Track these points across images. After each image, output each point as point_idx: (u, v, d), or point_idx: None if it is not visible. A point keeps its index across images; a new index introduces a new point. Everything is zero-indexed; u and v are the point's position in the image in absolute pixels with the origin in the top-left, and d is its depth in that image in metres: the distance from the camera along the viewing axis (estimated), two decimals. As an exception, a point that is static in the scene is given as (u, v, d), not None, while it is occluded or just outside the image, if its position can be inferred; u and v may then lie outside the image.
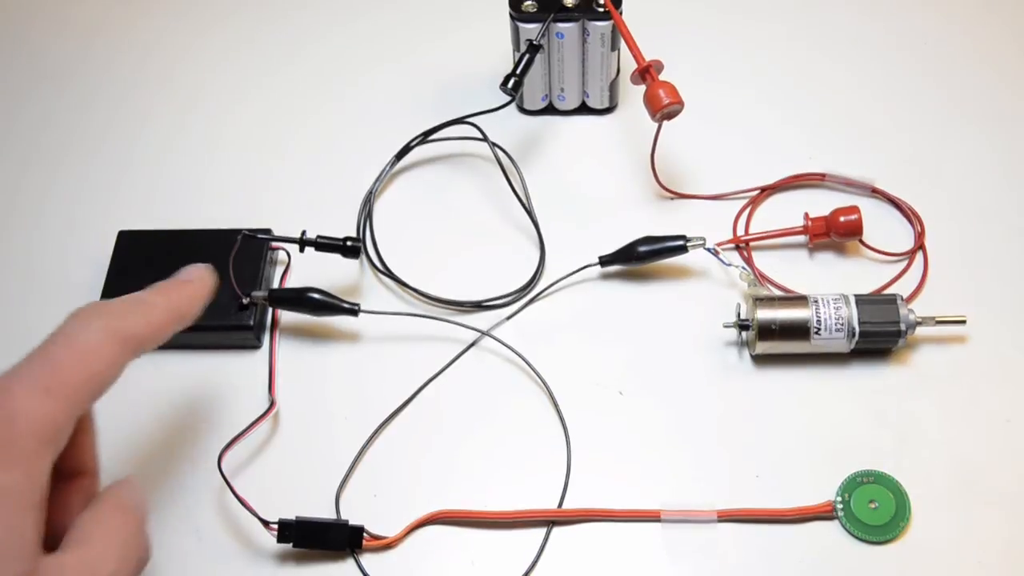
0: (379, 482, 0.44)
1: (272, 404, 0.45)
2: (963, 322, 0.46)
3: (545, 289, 0.50)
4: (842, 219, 0.49)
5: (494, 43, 0.58)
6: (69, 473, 0.33)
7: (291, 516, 0.41)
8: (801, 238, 0.51)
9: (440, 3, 0.65)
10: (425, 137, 0.55)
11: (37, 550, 0.29)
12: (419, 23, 0.64)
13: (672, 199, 0.53)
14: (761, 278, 0.50)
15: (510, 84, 0.52)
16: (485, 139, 0.53)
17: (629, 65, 0.51)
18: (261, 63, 0.62)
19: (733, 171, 0.54)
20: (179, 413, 0.46)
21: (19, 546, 0.28)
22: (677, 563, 0.41)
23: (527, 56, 0.52)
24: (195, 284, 0.38)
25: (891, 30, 0.62)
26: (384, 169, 0.54)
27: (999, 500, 0.42)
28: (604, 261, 0.49)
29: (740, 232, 0.52)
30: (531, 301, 0.49)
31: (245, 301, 0.47)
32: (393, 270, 0.51)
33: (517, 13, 0.52)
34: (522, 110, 0.58)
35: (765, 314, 0.45)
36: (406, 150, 0.55)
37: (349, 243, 0.49)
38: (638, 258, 0.49)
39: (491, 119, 0.52)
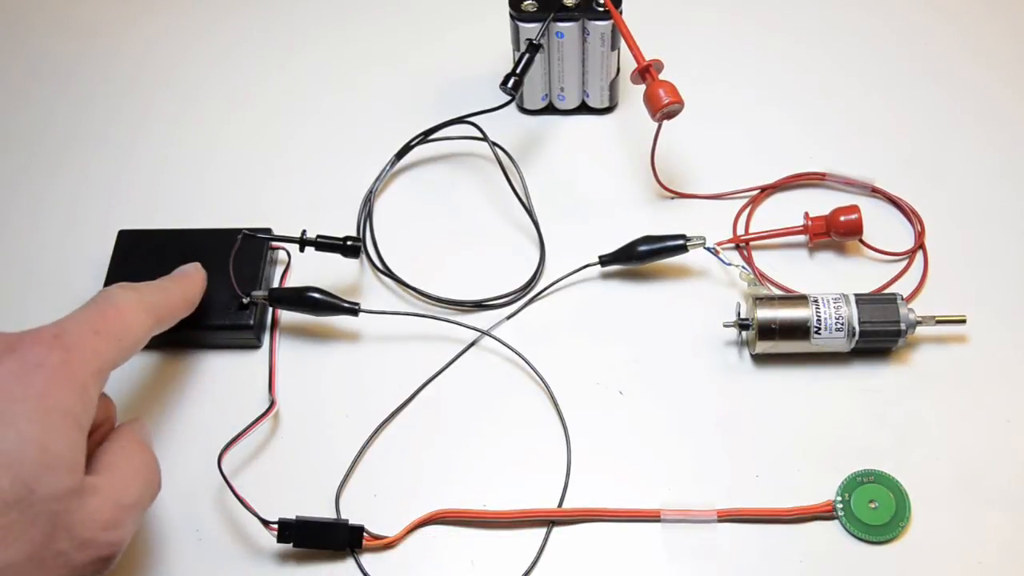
0: (379, 482, 0.44)
1: (272, 404, 0.45)
2: (963, 322, 0.46)
3: (545, 289, 0.50)
4: (842, 219, 0.49)
5: (494, 43, 0.58)
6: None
7: (291, 516, 0.41)
8: (801, 238, 0.51)
9: (440, 3, 0.65)
10: (425, 137, 0.55)
11: (81, 469, 0.32)
12: (419, 23, 0.64)
13: (672, 199, 0.53)
14: (761, 278, 0.50)
15: (510, 84, 0.52)
16: (485, 139, 0.53)
17: (629, 65, 0.51)
18: (261, 63, 0.62)
19: (733, 171, 0.54)
20: (179, 413, 0.46)
21: (72, 461, 0.32)
22: (677, 563, 0.41)
23: (527, 56, 0.52)
24: (195, 277, 0.45)
25: (891, 30, 0.62)
26: (384, 169, 0.54)
27: (999, 500, 0.42)
28: (604, 261, 0.49)
29: (740, 232, 0.52)
30: (531, 301, 0.49)
31: (245, 301, 0.47)
32: (393, 270, 0.51)
33: (517, 13, 0.52)
34: (522, 110, 0.58)
35: (765, 314, 0.45)
36: (406, 150, 0.55)
37: (349, 243, 0.49)
38: (638, 258, 0.49)
39: (491, 119, 0.52)
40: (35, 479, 0.30)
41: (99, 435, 0.37)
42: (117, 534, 0.33)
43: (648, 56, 0.50)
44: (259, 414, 0.44)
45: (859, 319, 0.45)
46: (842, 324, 0.45)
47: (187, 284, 0.44)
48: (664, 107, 0.49)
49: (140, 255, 0.50)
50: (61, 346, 0.33)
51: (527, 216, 0.52)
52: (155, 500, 0.37)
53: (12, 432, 0.31)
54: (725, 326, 0.46)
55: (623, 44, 0.52)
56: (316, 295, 0.46)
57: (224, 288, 0.47)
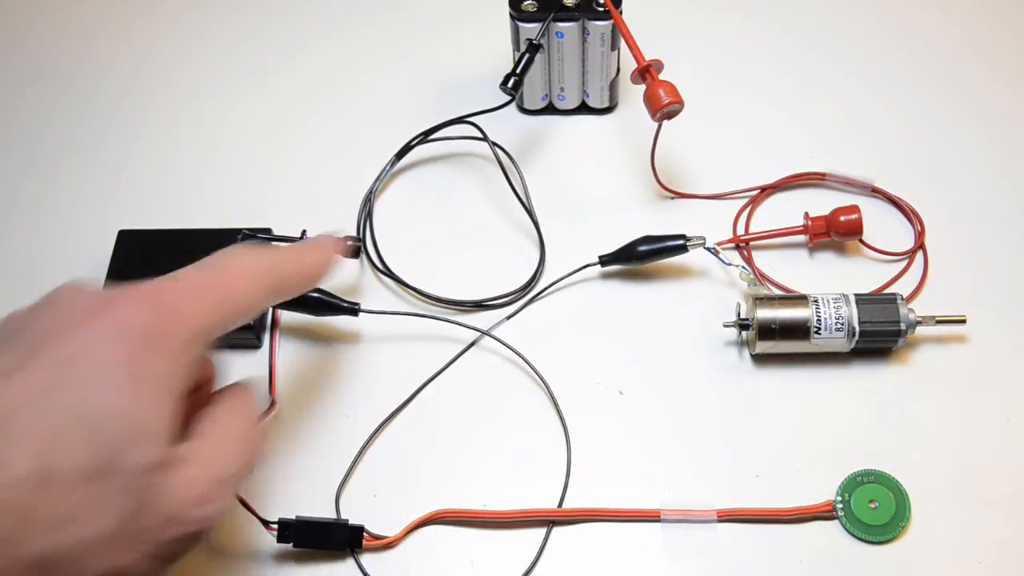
0: (379, 482, 0.44)
1: (272, 404, 0.45)
2: (963, 322, 0.46)
3: (545, 289, 0.50)
4: (842, 219, 0.49)
5: (494, 43, 0.58)
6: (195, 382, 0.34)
7: (291, 516, 0.41)
8: (801, 238, 0.51)
9: (440, 3, 0.65)
10: (425, 137, 0.55)
11: (171, 439, 0.30)
12: (419, 23, 0.64)
13: (672, 199, 0.53)
14: (761, 278, 0.50)
15: (510, 84, 0.52)
16: (485, 139, 0.53)
17: (629, 65, 0.51)
18: (261, 63, 0.62)
19: (733, 171, 0.54)
20: (179, 413, 0.46)
21: (161, 431, 0.30)
22: (677, 563, 0.41)
23: (527, 56, 0.52)
24: (325, 250, 0.39)
25: (891, 30, 0.62)
26: (384, 169, 0.54)
27: (999, 500, 0.42)
28: (604, 261, 0.49)
29: (740, 232, 0.52)
30: (531, 301, 0.49)
31: (245, 301, 0.47)
32: (393, 270, 0.51)
33: (517, 13, 0.52)
34: (522, 110, 0.58)
35: (765, 313, 0.45)
36: (406, 150, 0.55)
37: (349, 243, 0.49)
38: (638, 258, 0.49)
39: (491, 119, 0.52)
40: (120, 450, 0.28)
41: (198, 399, 0.34)
42: (208, 510, 0.31)
43: (648, 56, 0.50)
44: (259, 414, 0.44)
45: (859, 319, 0.45)
46: (842, 324, 0.45)
47: (314, 256, 0.39)
48: (664, 107, 0.49)
49: (140, 255, 0.50)
50: (155, 307, 0.31)
51: (527, 216, 0.52)
52: (249, 475, 0.34)
53: (99, 397, 0.28)
54: (725, 326, 0.46)
55: (623, 44, 0.52)
56: (316, 295, 0.46)
57: (224, 288, 0.47)
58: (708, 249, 0.49)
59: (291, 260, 0.37)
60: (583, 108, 0.58)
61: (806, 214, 0.51)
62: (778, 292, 0.49)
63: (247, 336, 0.47)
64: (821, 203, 0.51)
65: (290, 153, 0.57)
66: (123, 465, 0.28)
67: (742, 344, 0.47)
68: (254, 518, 0.40)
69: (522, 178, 0.53)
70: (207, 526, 0.31)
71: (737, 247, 0.51)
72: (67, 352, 0.29)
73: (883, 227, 0.51)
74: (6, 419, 0.28)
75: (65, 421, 0.28)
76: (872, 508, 0.41)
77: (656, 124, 0.50)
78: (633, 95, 0.57)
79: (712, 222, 0.52)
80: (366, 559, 0.41)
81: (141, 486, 0.29)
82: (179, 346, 0.31)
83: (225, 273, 0.34)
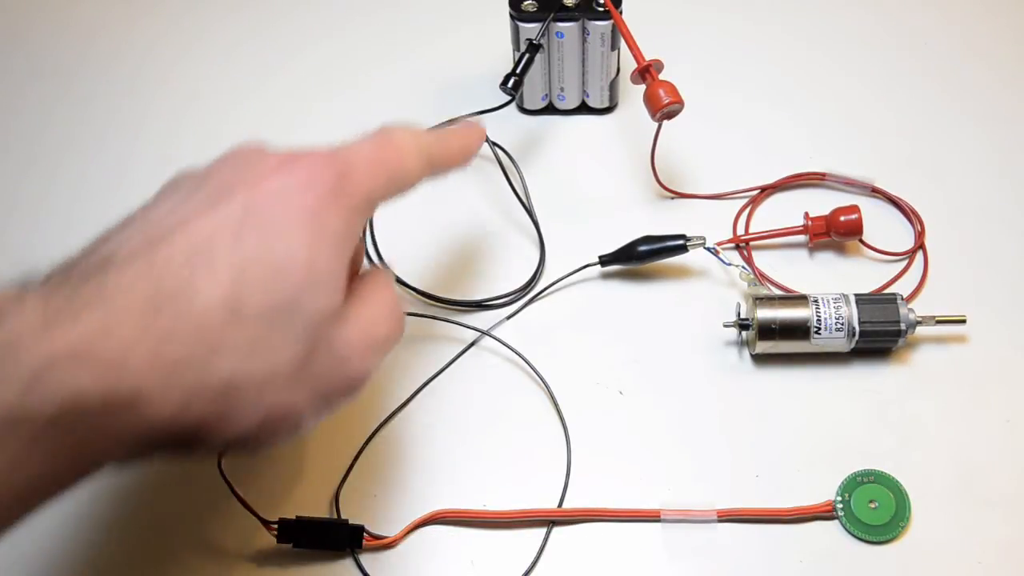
0: (379, 482, 0.44)
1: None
2: (963, 322, 0.46)
3: (545, 289, 0.50)
4: (842, 219, 0.49)
5: (494, 43, 0.58)
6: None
7: (291, 516, 0.41)
8: (801, 238, 0.51)
9: (440, 3, 0.65)
10: (425, 137, 0.55)
11: (344, 294, 0.33)
12: (419, 23, 0.64)
13: (672, 199, 0.53)
14: (761, 278, 0.50)
15: (510, 84, 0.52)
16: (485, 139, 0.53)
17: (629, 65, 0.51)
18: (261, 63, 0.62)
19: (733, 171, 0.54)
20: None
21: (336, 283, 0.32)
22: (677, 563, 0.41)
23: (527, 56, 0.52)
24: (476, 130, 0.43)
25: (891, 30, 0.62)
26: (384, 169, 0.54)
27: (999, 500, 0.42)
28: (604, 261, 0.49)
29: (740, 232, 0.52)
30: (531, 301, 0.49)
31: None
32: (393, 270, 0.51)
33: (517, 13, 0.52)
34: (522, 110, 0.58)
35: (765, 313, 0.45)
36: (406, 150, 0.55)
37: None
38: (638, 258, 0.49)
39: (491, 119, 0.52)
40: (301, 293, 0.30)
41: (351, 270, 0.35)
42: (367, 364, 0.33)
43: (648, 56, 0.50)
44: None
45: (859, 319, 0.45)
46: (842, 324, 0.45)
47: (467, 137, 0.42)
48: (664, 107, 0.49)
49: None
50: (337, 168, 0.33)
51: (527, 216, 0.52)
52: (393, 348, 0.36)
53: (283, 243, 0.30)
54: (725, 326, 0.46)
55: (623, 44, 0.52)
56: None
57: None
58: (708, 249, 0.49)
59: (446, 141, 0.40)
60: (583, 108, 0.58)
61: (806, 214, 0.51)
62: (778, 292, 0.49)
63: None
64: (821, 203, 0.51)
65: (290, 153, 0.57)
66: (301, 309, 0.30)
67: (742, 344, 0.47)
68: (254, 518, 0.40)
69: (522, 178, 0.53)
70: (365, 380, 0.34)
71: (737, 247, 0.51)
72: (256, 199, 0.31)
73: (883, 227, 0.51)
74: (204, 248, 0.29)
75: (254, 260, 0.30)
76: (872, 508, 0.41)
77: (656, 124, 0.50)
78: (633, 95, 0.57)
79: (712, 222, 0.52)
80: (366, 559, 0.41)
81: (315, 332, 0.31)
82: (355, 208, 0.33)
83: (395, 148, 0.36)
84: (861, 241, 0.50)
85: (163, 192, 0.33)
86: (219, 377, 0.29)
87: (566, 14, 0.52)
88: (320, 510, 0.42)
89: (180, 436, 0.29)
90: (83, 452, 0.27)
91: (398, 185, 0.36)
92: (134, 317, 0.28)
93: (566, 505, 0.43)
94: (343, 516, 0.42)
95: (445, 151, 0.39)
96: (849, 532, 0.41)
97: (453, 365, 0.47)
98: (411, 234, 0.52)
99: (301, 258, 0.31)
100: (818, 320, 0.45)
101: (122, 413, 0.27)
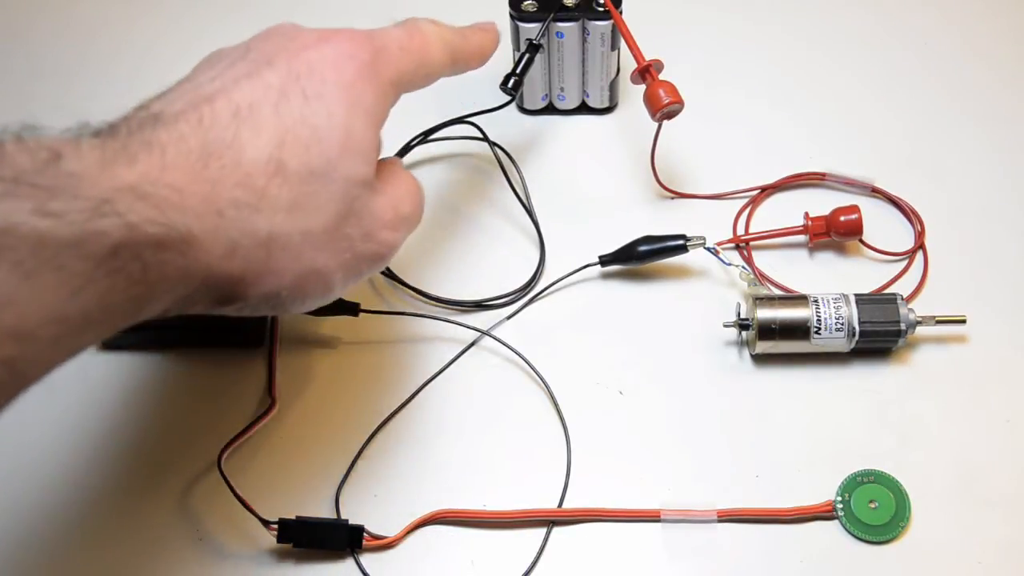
0: (379, 482, 0.44)
1: (272, 404, 0.45)
2: (963, 322, 0.46)
3: (545, 289, 0.50)
4: (842, 219, 0.49)
5: (494, 43, 0.58)
6: None
7: (291, 516, 0.41)
8: (801, 238, 0.51)
9: (440, 3, 0.65)
10: (425, 137, 0.55)
11: (374, 162, 0.35)
12: (419, 23, 0.64)
13: (672, 199, 0.53)
14: (761, 278, 0.50)
15: (510, 84, 0.52)
16: (485, 139, 0.53)
17: (629, 65, 0.51)
18: (261, 63, 0.62)
19: (733, 171, 0.54)
20: (179, 413, 0.46)
21: (370, 152, 0.34)
22: (677, 563, 0.41)
23: (527, 56, 0.52)
24: (493, 31, 0.44)
25: (891, 30, 0.62)
26: (384, 169, 0.54)
27: (999, 500, 0.42)
28: (604, 261, 0.49)
29: (740, 232, 0.52)
30: (531, 301, 0.49)
31: (245, 300, 0.47)
32: (393, 270, 0.51)
33: (517, 13, 0.52)
34: (522, 110, 0.58)
35: (765, 313, 0.45)
36: (406, 150, 0.55)
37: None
38: (638, 258, 0.49)
39: (491, 119, 0.52)
40: (338, 158, 0.32)
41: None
42: (396, 236, 0.36)
43: (648, 56, 0.50)
44: (259, 414, 0.44)
45: (859, 319, 0.45)
46: (842, 324, 0.45)
47: (485, 36, 0.44)
48: (664, 107, 0.49)
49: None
50: (372, 47, 0.35)
51: (527, 216, 0.52)
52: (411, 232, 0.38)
53: (323, 110, 0.32)
54: (725, 326, 0.46)
55: (623, 44, 0.52)
56: (316, 295, 0.46)
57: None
58: (708, 249, 0.49)
59: (467, 39, 0.41)
60: (583, 108, 0.58)
61: (806, 214, 0.51)
62: (778, 292, 0.49)
63: (247, 336, 0.47)
64: (821, 203, 0.51)
65: (290, 153, 0.57)
66: (339, 173, 0.32)
67: (742, 344, 0.47)
68: (254, 518, 0.40)
69: (522, 178, 0.53)
70: (392, 251, 0.36)
71: (737, 247, 0.51)
72: (297, 67, 0.33)
73: (883, 227, 0.51)
74: (249, 109, 0.31)
75: (296, 123, 0.32)
76: (872, 508, 0.41)
77: (656, 124, 0.50)
78: (633, 95, 0.57)
79: (712, 222, 0.52)
80: (366, 559, 0.41)
81: (351, 196, 0.33)
82: (386, 84, 0.35)
83: (423, 36, 0.38)
84: (861, 241, 0.50)
85: (203, 64, 0.35)
86: (262, 229, 0.31)
87: (566, 14, 0.52)
88: (320, 510, 0.42)
89: (222, 284, 0.31)
90: (140, 285, 0.28)
91: (424, 72, 0.38)
92: (186, 164, 0.29)
93: (566, 505, 0.43)
94: (343, 516, 0.42)
95: (466, 48, 0.41)
96: (849, 532, 0.41)
97: (453, 365, 0.47)
98: (411, 234, 0.52)
99: (339, 125, 0.32)
100: (818, 320, 0.45)
101: (175, 251, 0.28)
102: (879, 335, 0.45)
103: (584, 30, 0.53)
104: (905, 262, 0.50)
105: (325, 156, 0.32)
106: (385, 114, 0.35)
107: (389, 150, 0.54)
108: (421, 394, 0.46)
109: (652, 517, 0.42)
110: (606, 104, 0.57)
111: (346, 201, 0.33)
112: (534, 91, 0.56)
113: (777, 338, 0.45)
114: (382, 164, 0.37)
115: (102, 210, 0.27)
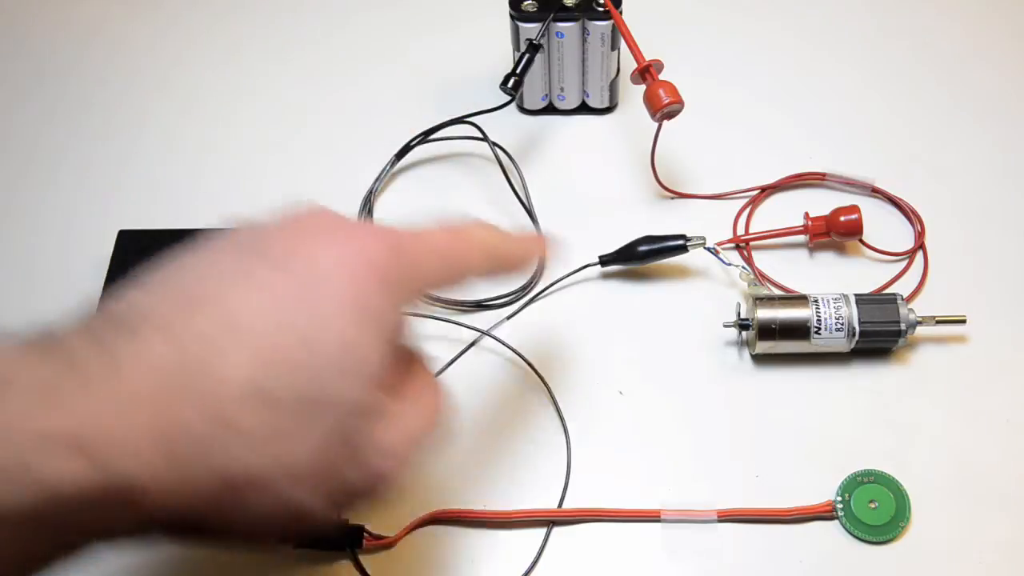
0: (379, 482, 0.44)
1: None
2: (963, 322, 0.46)
3: (545, 289, 0.50)
4: (842, 219, 0.49)
5: (494, 43, 0.58)
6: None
7: (291, 516, 0.41)
8: (801, 238, 0.51)
9: (440, 3, 0.65)
10: (425, 137, 0.55)
11: (379, 386, 0.29)
12: (419, 23, 0.64)
13: (672, 198, 0.53)
14: (761, 278, 0.50)
15: (510, 84, 0.52)
16: (485, 139, 0.53)
17: (629, 65, 0.51)
18: (261, 62, 0.62)
19: (733, 171, 0.54)
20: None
21: (374, 373, 0.29)
22: (677, 563, 0.41)
23: (527, 56, 0.52)
24: (538, 246, 0.41)
25: (891, 29, 0.62)
26: (384, 169, 0.54)
27: (999, 500, 0.42)
28: (604, 261, 0.49)
29: (740, 232, 0.52)
30: (531, 301, 0.49)
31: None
32: (393, 270, 0.51)
33: (517, 13, 0.52)
34: (522, 110, 0.58)
35: (765, 314, 0.45)
36: (406, 150, 0.55)
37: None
38: (638, 258, 0.49)
39: (491, 119, 0.52)
40: (333, 383, 0.27)
41: (396, 356, 0.32)
42: (394, 465, 0.30)
43: (648, 56, 0.50)
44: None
45: (859, 319, 0.45)
46: (842, 324, 0.45)
47: (530, 248, 0.40)
48: (664, 107, 0.49)
49: (140, 255, 0.50)
50: (396, 251, 0.30)
51: (527, 216, 0.52)
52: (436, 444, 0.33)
53: (325, 324, 0.28)
54: (725, 326, 0.46)
55: (623, 44, 0.52)
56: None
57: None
58: (708, 249, 0.49)
59: (511, 246, 0.37)
60: (583, 108, 0.58)
61: (806, 214, 0.51)
62: (778, 292, 0.49)
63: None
64: (821, 203, 0.51)
65: (290, 153, 0.57)
66: (333, 399, 0.27)
67: (742, 344, 0.47)
68: (254, 518, 0.40)
69: (522, 178, 0.53)
70: (390, 484, 0.30)
71: (737, 247, 0.51)
72: (306, 273, 0.28)
73: (883, 227, 0.51)
74: (236, 324, 0.27)
75: (290, 341, 0.27)
76: (872, 508, 0.41)
77: (656, 124, 0.50)
78: (633, 95, 0.57)
79: (712, 222, 0.52)
80: (366, 559, 0.41)
81: (344, 425, 0.28)
82: (406, 295, 0.31)
83: (459, 240, 0.34)
84: (861, 241, 0.50)
85: (204, 249, 0.30)
86: (233, 468, 0.26)
87: (566, 14, 0.52)
88: (320, 510, 0.42)
89: (178, 525, 0.27)
90: (68, 537, 0.25)
91: (454, 280, 0.34)
92: (149, 394, 0.25)
93: (566, 505, 0.43)
94: (343, 516, 0.42)
95: (508, 255, 0.36)
96: (849, 532, 0.41)
97: (453, 365, 0.47)
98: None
99: (343, 342, 0.28)
100: (818, 320, 0.45)
101: (118, 503, 0.24)
102: (879, 335, 0.45)
103: (584, 30, 0.53)
104: (905, 262, 0.50)
105: (319, 381, 0.27)
106: (400, 324, 0.31)
107: (389, 150, 0.55)
108: (421, 394, 0.46)
109: (652, 517, 0.42)
110: (606, 104, 0.57)
111: (338, 431, 0.28)
112: (534, 91, 0.56)
113: (777, 338, 0.45)
114: (400, 369, 0.31)
115: (30, 465, 0.23)
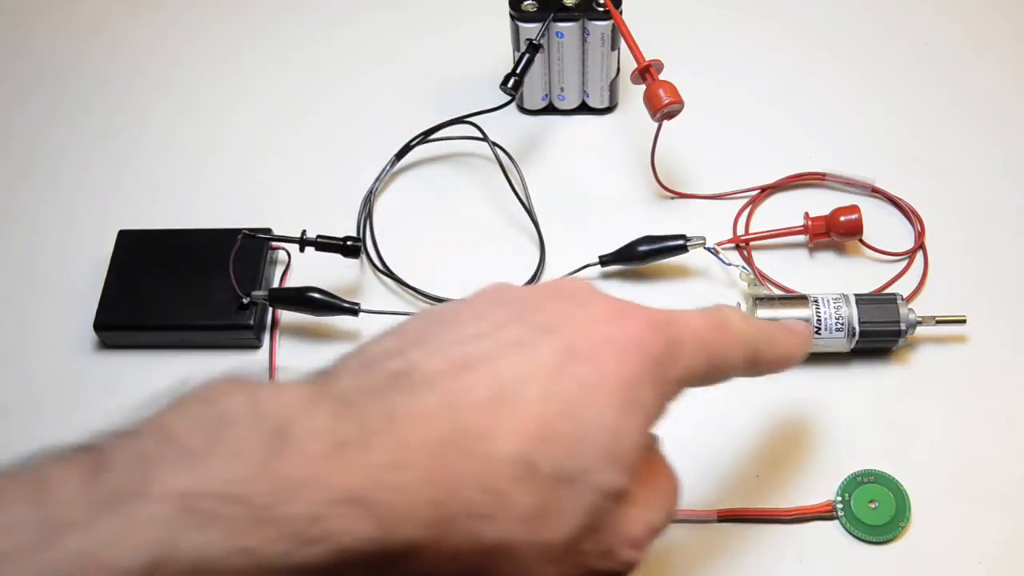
0: (379, 482, 0.44)
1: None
2: (963, 322, 0.46)
3: (545, 289, 0.50)
4: (842, 219, 0.49)
5: (494, 43, 0.58)
6: None
7: (291, 516, 0.41)
8: (801, 238, 0.51)
9: (440, 3, 0.65)
10: (425, 137, 0.55)
11: (635, 472, 0.28)
12: (419, 23, 0.64)
13: (672, 198, 0.53)
14: (761, 278, 0.50)
15: (510, 84, 0.52)
16: (485, 139, 0.53)
17: (629, 65, 0.51)
18: (261, 62, 0.62)
19: (733, 171, 0.54)
20: (179, 413, 0.46)
21: (632, 461, 0.28)
22: (678, 563, 0.41)
23: (527, 56, 0.52)
24: (804, 338, 0.37)
25: (891, 30, 0.62)
26: (384, 169, 0.54)
27: (999, 500, 0.42)
28: (604, 261, 0.49)
29: (740, 232, 0.52)
30: (531, 301, 0.49)
31: (245, 301, 0.47)
32: (393, 270, 0.51)
33: (517, 13, 0.52)
34: (522, 110, 0.58)
35: (765, 314, 0.45)
36: (406, 150, 0.55)
37: (349, 243, 0.49)
38: (638, 258, 0.49)
39: (491, 119, 0.52)
40: (595, 464, 0.27)
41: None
42: (636, 555, 0.29)
43: (648, 56, 0.50)
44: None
45: (859, 319, 0.45)
46: (842, 324, 0.45)
47: (793, 342, 0.36)
48: (664, 107, 0.49)
49: (140, 255, 0.50)
50: (667, 339, 0.29)
51: (527, 216, 0.52)
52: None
53: (595, 404, 0.27)
54: (725, 326, 0.46)
55: (623, 44, 0.52)
56: (316, 295, 0.46)
57: (224, 288, 0.47)
58: (708, 249, 0.49)
59: (773, 340, 0.35)
60: (583, 108, 0.58)
61: (806, 214, 0.51)
62: (778, 292, 0.49)
63: (247, 336, 0.47)
64: (821, 203, 0.51)
65: (290, 153, 0.57)
66: (592, 481, 0.27)
67: (742, 344, 0.47)
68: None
69: (522, 178, 0.53)
70: (630, 571, 0.29)
71: (737, 247, 0.51)
72: (578, 344, 0.28)
73: (883, 227, 0.51)
74: (513, 390, 0.26)
75: (560, 416, 0.26)
76: (872, 508, 0.41)
77: (656, 124, 0.50)
78: (633, 95, 0.57)
79: (712, 222, 0.52)
80: (366, 559, 0.41)
81: (599, 508, 0.27)
82: (669, 384, 0.30)
83: (726, 332, 0.32)
84: (861, 241, 0.50)
85: (475, 306, 0.29)
86: (494, 537, 0.26)
87: (566, 14, 0.52)
88: (320, 510, 0.42)
89: None
90: None
91: (716, 375, 0.32)
92: (425, 456, 0.25)
93: (566, 505, 0.42)
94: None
95: (770, 353, 0.34)
96: (849, 532, 0.41)
97: (453, 365, 0.47)
98: (411, 234, 0.52)
99: (607, 425, 0.27)
100: (818, 320, 0.45)
101: (388, 563, 0.24)
102: (879, 335, 0.45)
103: (584, 30, 0.53)
104: (905, 262, 0.50)
105: (582, 460, 0.26)
106: (661, 414, 0.30)
107: (389, 150, 0.55)
108: (421, 394, 0.46)
109: (652, 517, 0.42)
110: (606, 104, 0.57)
111: (592, 513, 0.27)
112: (534, 91, 0.56)
113: (777, 338, 0.45)
114: (641, 459, 0.30)
115: (315, 528, 0.23)
